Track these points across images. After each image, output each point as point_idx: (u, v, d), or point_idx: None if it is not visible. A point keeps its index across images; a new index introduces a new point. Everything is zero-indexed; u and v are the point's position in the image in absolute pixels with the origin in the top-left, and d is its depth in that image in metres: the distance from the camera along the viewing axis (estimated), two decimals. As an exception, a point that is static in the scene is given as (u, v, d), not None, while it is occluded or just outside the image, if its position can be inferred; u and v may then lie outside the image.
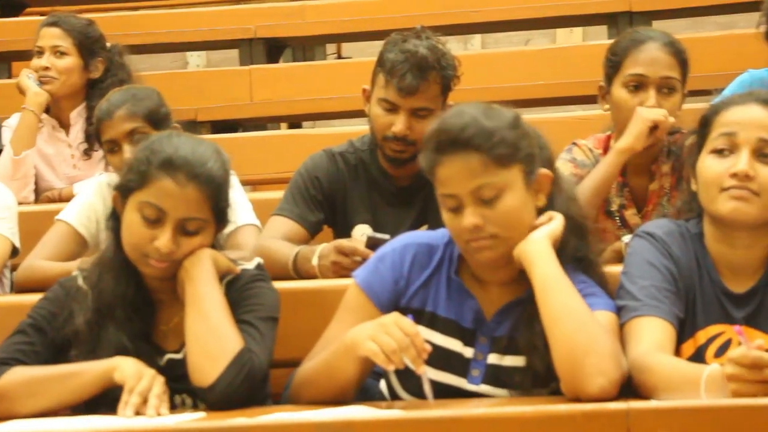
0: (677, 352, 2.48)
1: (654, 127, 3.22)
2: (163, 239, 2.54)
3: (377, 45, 3.44)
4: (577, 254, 2.52)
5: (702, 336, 2.51)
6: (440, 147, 2.43)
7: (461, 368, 2.53)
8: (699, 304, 2.53)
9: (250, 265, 2.69)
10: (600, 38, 6.03)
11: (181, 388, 2.55)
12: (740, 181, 2.44)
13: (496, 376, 2.51)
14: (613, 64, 3.35)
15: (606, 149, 3.38)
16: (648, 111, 3.24)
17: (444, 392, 2.49)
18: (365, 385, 2.56)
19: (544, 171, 2.49)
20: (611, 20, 6.03)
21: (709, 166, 2.49)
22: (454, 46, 3.44)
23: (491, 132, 2.41)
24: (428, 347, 2.37)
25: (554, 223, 2.47)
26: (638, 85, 3.29)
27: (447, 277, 2.56)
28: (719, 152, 2.49)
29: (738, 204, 2.45)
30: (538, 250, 2.42)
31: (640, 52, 3.29)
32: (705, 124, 2.55)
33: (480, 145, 2.40)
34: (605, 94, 3.39)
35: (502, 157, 2.41)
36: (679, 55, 3.31)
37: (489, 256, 2.46)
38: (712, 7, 6.16)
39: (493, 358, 2.52)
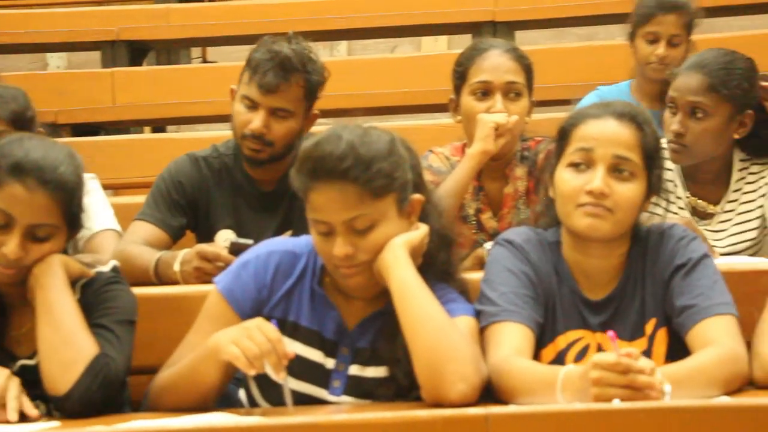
0: (539, 357, 2.51)
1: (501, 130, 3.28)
2: (11, 245, 2.48)
3: (243, 49, 3.43)
4: (443, 267, 2.54)
5: (562, 341, 2.55)
6: (316, 173, 2.40)
7: (322, 379, 2.52)
8: (558, 309, 2.57)
9: (105, 268, 2.64)
10: (465, 47, 6.10)
11: (34, 394, 2.49)
12: (595, 198, 2.48)
13: (358, 387, 2.51)
14: (459, 75, 3.41)
15: (463, 155, 3.42)
16: (488, 115, 3.31)
17: (305, 403, 2.47)
18: (226, 393, 2.54)
19: (416, 197, 2.49)
20: (475, 29, 6.12)
21: (566, 180, 2.53)
22: (320, 52, 3.45)
23: (369, 163, 2.39)
24: (291, 353, 2.36)
25: (413, 232, 2.48)
26: (484, 91, 3.34)
27: (310, 287, 2.55)
28: (576, 166, 2.53)
29: (593, 221, 2.49)
30: (395, 257, 2.42)
31: (484, 59, 3.35)
32: (563, 136, 2.59)
33: (357, 177, 2.38)
34: (456, 106, 3.44)
35: (378, 189, 2.40)
36: (521, 60, 3.37)
37: (358, 281, 2.46)
38: (573, 19, 6.29)
39: (354, 369, 2.52)
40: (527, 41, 6.72)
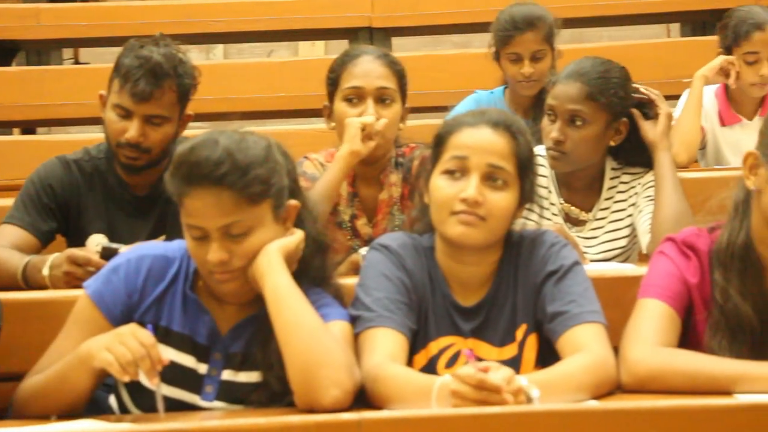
0: (411, 363, 2.52)
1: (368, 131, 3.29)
2: None
3: (117, 51, 3.38)
4: (318, 272, 2.53)
5: (434, 347, 2.57)
6: (191, 179, 2.37)
7: (195, 384, 2.49)
8: (431, 315, 2.58)
9: None
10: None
11: None
12: (469, 207, 2.50)
13: (231, 393, 2.49)
14: (332, 81, 3.42)
15: None
16: (355, 117, 3.32)
17: (177, 409, 2.45)
18: (95, 398, 2.50)
19: (292, 202, 2.48)
20: (352, 35, 6.14)
21: (440, 187, 2.55)
22: (196, 55, 3.42)
23: (245, 169, 2.37)
24: (165, 359, 2.33)
25: (289, 238, 2.47)
26: (356, 97, 3.35)
27: (182, 292, 2.52)
28: (451, 174, 2.54)
29: (465, 229, 2.51)
30: (269, 262, 2.41)
31: (355, 65, 3.36)
32: (438, 143, 2.60)
33: (233, 183, 2.36)
34: (330, 113, 3.44)
35: (254, 195, 2.39)
36: (393, 66, 3.39)
37: (232, 287, 2.44)
38: (449, 27, 6.34)
39: (227, 375, 2.50)
40: (404, 48, 6.77)
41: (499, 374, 2.19)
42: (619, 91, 3.38)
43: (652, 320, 2.49)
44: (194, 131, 3.26)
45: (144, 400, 2.45)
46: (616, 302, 2.58)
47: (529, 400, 2.21)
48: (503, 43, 4.23)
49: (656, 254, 2.61)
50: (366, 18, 6.12)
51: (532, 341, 2.57)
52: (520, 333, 2.57)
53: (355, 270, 2.97)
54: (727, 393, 2.30)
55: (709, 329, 2.51)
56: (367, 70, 3.36)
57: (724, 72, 4.37)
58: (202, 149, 2.38)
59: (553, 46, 4.23)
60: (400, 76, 3.39)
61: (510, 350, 2.55)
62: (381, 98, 3.35)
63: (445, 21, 6.19)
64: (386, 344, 2.46)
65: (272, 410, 2.39)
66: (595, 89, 3.35)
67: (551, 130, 3.37)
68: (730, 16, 4.43)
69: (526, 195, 2.60)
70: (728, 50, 4.39)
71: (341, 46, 6.34)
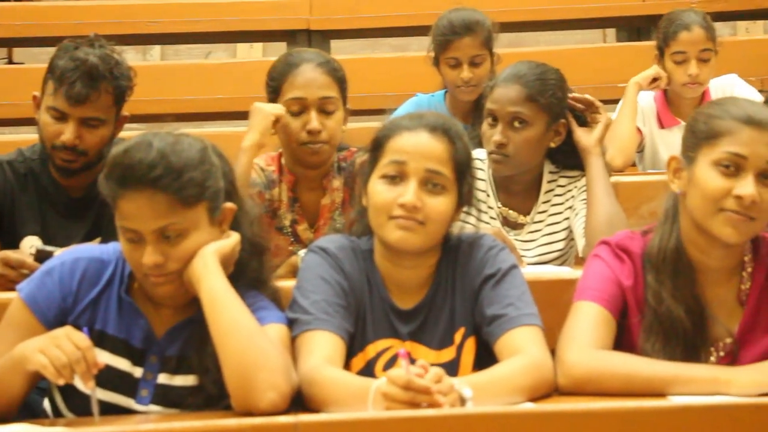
0: (348, 366, 2.52)
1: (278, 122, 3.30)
2: None
3: (52, 51, 3.34)
4: (255, 275, 2.52)
5: (371, 350, 2.57)
6: (125, 181, 2.35)
7: (130, 388, 2.47)
8: (369, 318, 2.58)
9: None
10: (280, 54, 6.09)
11: None
12: (407, 212, 2.50)
13: (167, 396, 2.47)
14: (273, 90, 3.40)
15: (279, 167, 3.41)
16: (268, 105, 3.32)
17: (112, 413, 2.42)
18: (28, 401, 2.47)
19: (228, 205, 2.46)
20: (290, 37, 6.13)
21: (379, 191, 2.54)
22: (132, 56, 3.39)
23: (180, 171, 2.36)
24: (101, 363, 2.31)
25: (224, 240, 2.46)
26: (299, 108, 3.33)
27: (118, 295, 2.50)
28: (389, 178, 2.54)
29: (404, 233, 2.51)
30: (204, 265, 2.39)
31: (297, 75, 3.34)
32: (377, 147, 2.60)
33: (168, 186, 2.35)
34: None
35: (189, 198, 2.37)
36: (334, 73, 3.38)
37: (167, 290, 2.43)
38: (387, 30, 6.36)
39: (163, 378, 2.48)
40: (342, 50, 6.77)
41: (428, 375, 2.20)
42: (557, 92, 3.41)
43: (588, 323, 2.51)
44: (131, 132, 3.23)
45: (78, 404, 2.42)
46: (553, 305, 2.60)
47: (462, 400, 2.22)
48: (442, 48, 4.24)
49: (591, 257, 2.64)
50: (304, 20, 6.11)
51: (470, 344, 2.57)
52: (458, 336, 2.58)
53: (294, 272, 2.96)
54: (662, 395, 2.33)
55: (643, 332, 2.54)
56: (309, 79, 3.34)
57: (655, 84, 4.43)
58: (135, 152, 2.36)
59: (491, 51, 4.25)
60: (341, 81, 3.39)
61: (448, 353, 2.56)
62: (324, 108, 3.33)
63: (384, 24, 6.21)
64: (323, 347, 2.45)
65: (208, 413, 2.37)
66: (534, 90, 3.37)
67: (492, 134, 3.39)
68: (665, 18, 4.50)
69: (464, 199, 2.61)
70: (661, 51, 4.45)
71: (280, 48, 6.33)
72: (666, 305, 2.52)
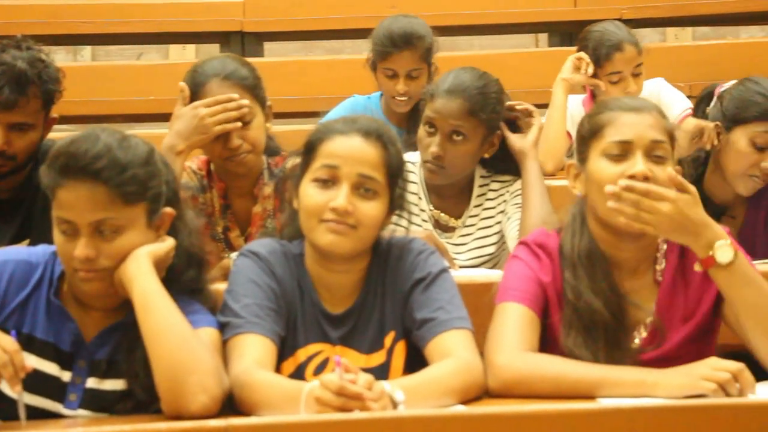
0: (279, 370, 2.51)
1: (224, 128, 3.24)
2: None
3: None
4: (191, 284, 2.51)
5: (302, 354, 2.56)
6: (67, 170, 2.34)
7: (58, 393, 2.45)
8: (300, 322, 2.58)
9: None
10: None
11: None
12: (339, 216, 2.50)
13: (95, 401, 2.45)
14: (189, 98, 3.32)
15: (208, 171, 3.38)
16: (195, 109, 3.23)
17: (40, 418, 2.40)
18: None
19: (167, 210, 2.45)
20: (224, 39, 6.10)
21: (311, 195, 2.54)
22: (62, 57, 3.36)
23: (124, 167, 2.35)
24: (28, 367, 2.29)
25: (159, 244, 2.44)
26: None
27: (46, 298, 2.47)
28: (321, 182, 2.54)
29: (335, 237, 2.51)
30: (137, 267, 2.38)
31: (206, 94, 3.22)
32: (309, 149, 2.60)
33: (109, 179, 2.33)
34: None
35: (130, 195, 2.36)
36: (245, 82, 3.25)
37: (96, 287, 2.40)
38: (322, 32, 6.35)
39: (92, 383, 2.46)
40: (276, 53, 6.75)
41: (360, 381, 2.21)
42: (497, 105, 3.44)
43: (514, 324, 2.53)
44: (60, 134, 3.21)
45: (5, 408, 2.39)
46: (484, 308, 2.62)
47: (394, 403, 2.23)
48: (380, 57, 4.24)
49: (511, 258, 2.68)
50: (237, 22, 6.08)
51: (400, 348, 2.58)
52: (388, 340, 2.58)
53: (226, 275, 2.94)
54: (590, 397, 2.35)
55: (563, 327, 2.57)
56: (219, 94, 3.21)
57: (576, 68, 4.44)
58: (82, 142, 2.36)
59: (430, 64, 4.25)
60: (254, 87, 3.27)
61: (378, 357, 2.57)
62: (240, 120, 3.23)
63: (318, 27, 6.20)
64: (255, 350, 2.45)
65: (138, 417, 2.36)
66: (477, 106, 3.38)
67: (430, 143, 3.40)
68: (587, 37, 4.50)
69: (396, 203, 2.61)
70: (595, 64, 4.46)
71: (213, 49, 6.31)
72: (584, 299, 2.56)
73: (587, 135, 2.62)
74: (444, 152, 3.38)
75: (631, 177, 2.50)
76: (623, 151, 2.55)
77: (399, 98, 4.20)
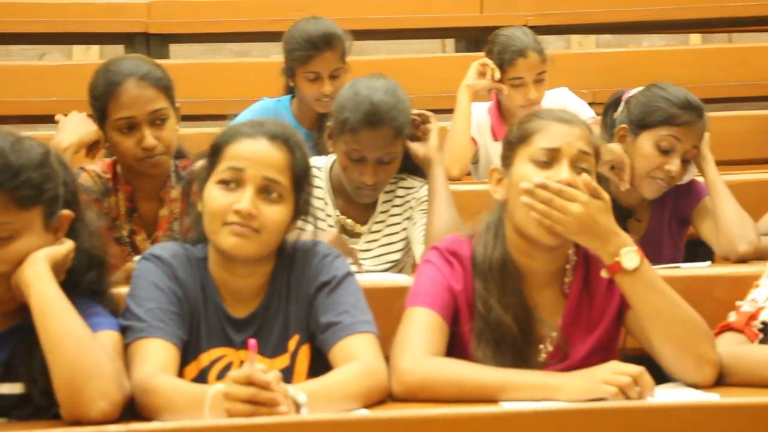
0: (182, 374, 2.50)
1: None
2: None
3: None
4: (92, 286, 2.47)
5: (205, 358, 2.55)
6: None
7: (-47, 398, 2.41)
8: (203, 327, 2.56)
9: None
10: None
11: None
12: (242, 219, 2.49)
13: (-8, 405, 2.41)
14: (98, 110, 3.26)
15: (114, 174, 3.34)
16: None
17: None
18: None
19: (65, 212, 2.42)
20: (128, 40, 6.04)
21: (215, 197, 2.53)
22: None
23: (17, 171, 2.31)
24: None
25: (57, 247, 2.40)
26: (129, 126, 3.22)
27: (-58, 302, 2.42)
28: (226, 184, 2.52)
29: (238, 240, 2.50)
30: (35, 271, 2.34)
31: (121, 94, 3.19)
32: (215, 151, 2.58)
33: (3, 184, 2.30)
34: (105, 138, 3.33)
35: (24, 199, 2.32)
36: (160, 83, 3.23)
37: None
38: (227, 35, 6.31)
39: None
40: (182, 55, 6.70)
41: (270, 374, 2.20)
42: (409, 116, 3.44)
43: (421, 329, 2.54)
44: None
45: None
46: (389, 312, 2.62)
47: (297, 407, 2.22)
48: (301, 62, 4.23)
49: (422, 263, 2.68)
50: (142, 24, 6.02)
51: (304, 352, 2.57)
52: (292, 344, 2.57)
53: (129, 279, 2.91)
54: (494, 401, 2.37)
55: (474, 338, 2.59)
56: (135, 96, 3.21)
57: (481, 73, 4.48)
58: None
59: (345, 61, 4.27)
60: (168, 88, 3.28)
61: (282, 361, 2.56)
62: (155, 121, 3.23)
63: (224, 29, 6.16)
64: (157, 355, 2.43)
65: (36, 423, 2.32)
66: (400, 127, 3.37)
67: (359, 172, 3.37)
68: (494, 41, 4.55)
69: (301, 208, 2.61)
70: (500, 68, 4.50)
71: (117, 51, 6.23)
72: (495, 313, 2.58)
73: (515, 140, 2.64)
74: (377, 178, 3.39)
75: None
76: (550, 158, 2.57)
77: (324, 99, 4.19)
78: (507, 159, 2.65)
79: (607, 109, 3.87)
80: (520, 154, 2.61)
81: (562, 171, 2.55)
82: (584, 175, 2.53)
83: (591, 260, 2.65)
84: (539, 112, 2.71)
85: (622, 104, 3.75)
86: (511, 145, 2.65)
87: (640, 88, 3.73)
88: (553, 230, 2.51)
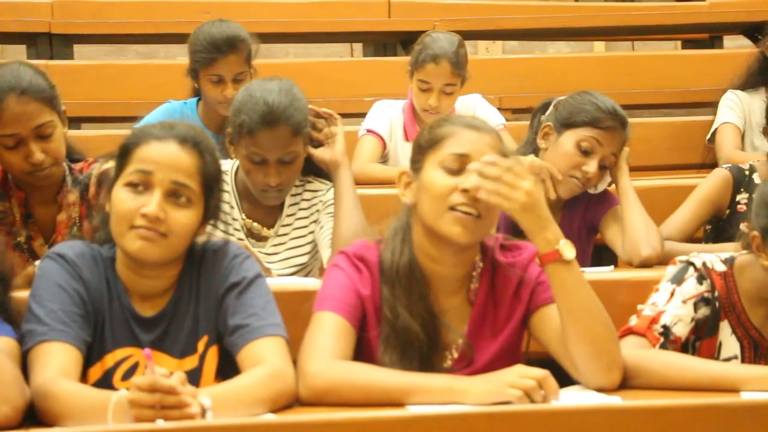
0: (86, 376, 2.47)
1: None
2: None
3: None
4: None
5: (110, 359, 2.52)
6: None
7: None
8: (108, 327, 2.53)
9: None
10: (21, 56, 5.90)
11: None
12: (149, 222, 2.47)
13: None
14: None
15: (4, 180, 3.26)
16: None
17: None
18: None
19: None
20: (31, 41, 5.94)
21: (122, 200, 2.50)
22: None
23: None
24: None
25: None
26: (15, 142, 3.10)
27: None
28: (134, 186, 2.50)
29: (144, 244, 2.48)
30: None
31: (3, 111, 3.07)
32: (124, 154, 2.55)
33: None
34: None
35: None
36: (42, 94, 3.11)
37: None
38: (134, 36, 6.24)
39: None
40: (86, 55, 6.62)
41: (173, 377, 2.18)
42: (306, 114, 3.42)
43: (329, 333, 2.54)
44: None
45: None
46: (298, 316, 2.62)
47: (203, 411, 2.20)
48: (204, 64, 4.20)
49: (330, 267, 2.68)
50: (45, 23, 5.92)
51: (212, 353, 2.56)
52: (201, 345, 2.56)
53: (30, 284, 2.86)
54: (400, 405, 2.38)
55: (381, 344, 2.59)
56: (18, 114, 3.08)
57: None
58: None
59: (250, 65, 4.24)
60: (52, 98, 3.15)
61: (190, 362, 2.54)
62: (41, 134, 3.11)
63: (129, 30, 6.09)
64: (59, 359, 2.40)
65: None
66: (298, 126, 3.33)
67: (262, 174, 3.34)
68: (420, 40, 4.56)
69: (211, 212, 2.59)
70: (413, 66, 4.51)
71: (19, 51, 6.14)
72: (402, 320, 2.59)
73: (426, 145, 2.65)
74: (281, 178, 3.36)
75: (464, 191, 2.54)
76: (460, 164, 2.58)
77: (226, 103, 4.15)
78: (416, 163, 2.66)
79: (536, 112, 3.92)
80: (430, 158, 2.62)
81: (471, 177, 2.56)
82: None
83: (497, 267, 2.67)
84: (450, 118, 2.73)
85: (551, 107, 3.80)
86: (421, 149, 2.66)
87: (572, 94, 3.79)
88: (500, 205, 2.52)
